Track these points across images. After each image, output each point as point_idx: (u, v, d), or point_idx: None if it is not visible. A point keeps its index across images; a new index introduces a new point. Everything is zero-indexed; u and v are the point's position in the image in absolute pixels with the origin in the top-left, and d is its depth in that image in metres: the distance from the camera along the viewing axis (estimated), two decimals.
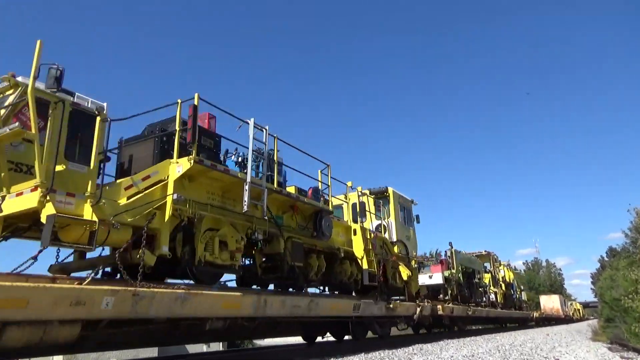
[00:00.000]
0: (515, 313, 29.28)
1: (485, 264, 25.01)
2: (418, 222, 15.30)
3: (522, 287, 36.36)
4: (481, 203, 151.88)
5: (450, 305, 15.82)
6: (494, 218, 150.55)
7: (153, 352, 26.57)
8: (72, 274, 6.01)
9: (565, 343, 14.90)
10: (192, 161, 6.08)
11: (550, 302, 50.44)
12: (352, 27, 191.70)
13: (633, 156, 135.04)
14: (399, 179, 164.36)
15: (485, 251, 25.46)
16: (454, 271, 17.56)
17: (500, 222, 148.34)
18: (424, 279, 16.30)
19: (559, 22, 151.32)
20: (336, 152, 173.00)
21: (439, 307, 14.50)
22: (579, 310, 69.65)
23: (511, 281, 29.48)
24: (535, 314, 36.68)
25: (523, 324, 33.92)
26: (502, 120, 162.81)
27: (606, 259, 62.32)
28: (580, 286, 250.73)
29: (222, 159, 7.35)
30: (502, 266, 28.16)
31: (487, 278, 23.75)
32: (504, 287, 26.38)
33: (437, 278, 16.66)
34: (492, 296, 23.42)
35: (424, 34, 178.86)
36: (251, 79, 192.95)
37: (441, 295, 17.03)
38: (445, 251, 18.75)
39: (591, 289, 76.38)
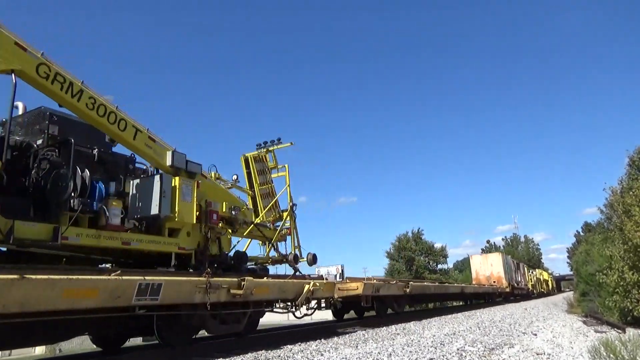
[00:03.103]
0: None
1: None
2: None
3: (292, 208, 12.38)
4: (462, 180, 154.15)
5: None
6: (474, 195, 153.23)
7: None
8: None
9: (542, 317, 15.44)
10: None
11: (486, 267, 31.35)
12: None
13: (606, 133, 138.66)
14: (374, 158, 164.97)
15: None
16: None
17: (480, 200, 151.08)
18: None
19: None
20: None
21: None
22: (546, 281, 53.65)
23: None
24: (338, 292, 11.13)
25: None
26: (480, 100, 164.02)
27: (582, 234, 64.37)
28: (557, 260, 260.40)
29: None
30: None
31: None
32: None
33: None
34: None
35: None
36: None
37: None
38: None
39: (567, 262, 79.05)
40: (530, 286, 41.32)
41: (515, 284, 33.77)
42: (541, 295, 46.56)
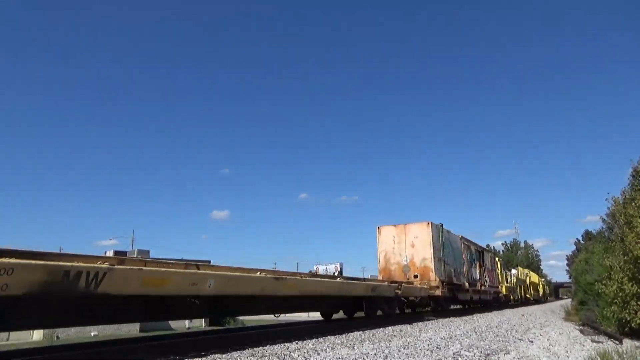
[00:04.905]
0: None
1: None
2: None
3: None
4: (462, 183, 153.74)
5: None
6: (475, 199, 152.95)
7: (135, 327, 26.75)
8: None
9: (539, 324, 15.44)
10: None
11: (403, 248, 17.27)
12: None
13: (610, 140, 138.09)
14: (374, 162, 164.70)
15: None
16: None
17: (481, 203, 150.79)
18: None
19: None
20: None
21: None
22: (534, 285, 42.27)
23: None
24: None
25: None
26: (482, 104, 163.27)
27: (582, 241, 64.25)
28: (555, 267, 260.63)
29: None
30: None
31: None
32: None
33: None
34: None
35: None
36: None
37: None
38: None
39: (566, 270, 78.97)
40: (503, 289, 29.13)
41: (466, 284, 20.59)
42: (525, 303, 34.94)
